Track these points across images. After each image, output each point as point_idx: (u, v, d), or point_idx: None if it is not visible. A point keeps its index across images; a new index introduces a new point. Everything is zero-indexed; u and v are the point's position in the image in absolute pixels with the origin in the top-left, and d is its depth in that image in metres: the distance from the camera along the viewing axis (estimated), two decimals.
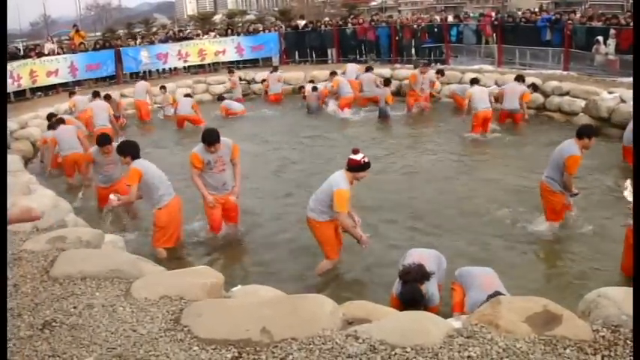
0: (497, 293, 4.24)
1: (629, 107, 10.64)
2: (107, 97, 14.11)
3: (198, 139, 6.81)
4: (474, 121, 11.75)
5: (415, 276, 4.52)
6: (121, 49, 19.87)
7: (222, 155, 6.76)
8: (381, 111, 14.30)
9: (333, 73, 16.61)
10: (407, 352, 3.01)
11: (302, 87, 17.43)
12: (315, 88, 16.14)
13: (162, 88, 16.84)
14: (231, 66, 19.90)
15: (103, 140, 7.89)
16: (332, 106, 15.58)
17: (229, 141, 6.87)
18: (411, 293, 4.48)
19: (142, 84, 16.36)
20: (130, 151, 6.73)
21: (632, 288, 3.52)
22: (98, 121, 12.15)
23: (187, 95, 15.72)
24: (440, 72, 15.74)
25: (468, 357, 2.94)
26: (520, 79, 12.85)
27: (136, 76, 19.91)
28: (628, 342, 3.02)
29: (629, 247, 5.47)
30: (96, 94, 14.04)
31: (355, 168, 5.74)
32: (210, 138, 6.59)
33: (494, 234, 7.09)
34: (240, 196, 7.22)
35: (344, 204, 5.69)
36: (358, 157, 5.72)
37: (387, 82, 15.04)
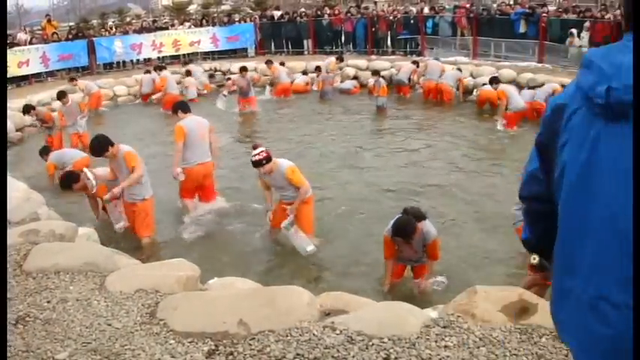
0: None
1: None
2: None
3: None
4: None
5: (413, 212, 5.16)
6: (94, 39, 19.52)
7: None
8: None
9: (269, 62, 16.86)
10: (384, 342, 3.02)
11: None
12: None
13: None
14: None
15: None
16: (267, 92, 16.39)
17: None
18: (403, 220, 5.03)
19: (147, 77, 16.62)
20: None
21: None
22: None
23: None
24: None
25: (445, 347, 2.96)
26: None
27: (109, 67, 19.63)
28: None
29: None
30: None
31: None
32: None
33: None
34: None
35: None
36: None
37: (375, 72, 14.26)
